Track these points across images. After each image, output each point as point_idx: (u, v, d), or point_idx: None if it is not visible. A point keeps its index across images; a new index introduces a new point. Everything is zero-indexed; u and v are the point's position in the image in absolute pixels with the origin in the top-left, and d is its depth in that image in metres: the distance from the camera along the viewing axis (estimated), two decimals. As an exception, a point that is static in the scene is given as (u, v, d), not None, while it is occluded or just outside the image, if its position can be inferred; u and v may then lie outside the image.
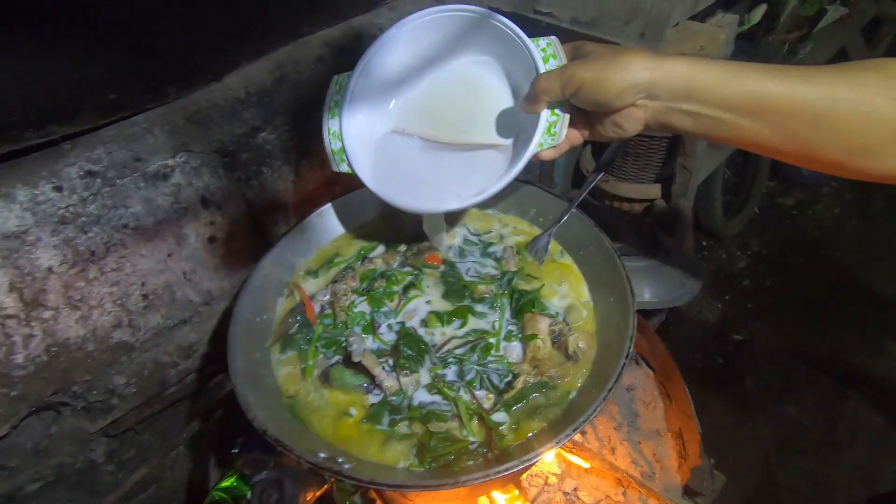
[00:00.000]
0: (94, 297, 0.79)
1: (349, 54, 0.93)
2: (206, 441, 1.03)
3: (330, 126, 0.73)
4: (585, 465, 0.92)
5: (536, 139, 0.63)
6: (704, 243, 2.43)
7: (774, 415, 1.81)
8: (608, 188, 1.36)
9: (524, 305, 0.72)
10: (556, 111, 0.64)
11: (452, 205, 0.67)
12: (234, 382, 0.62)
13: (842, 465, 1.64)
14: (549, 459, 0.92)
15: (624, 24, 0.87)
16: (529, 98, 0.63)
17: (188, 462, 1.06)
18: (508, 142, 0.71)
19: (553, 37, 0.65)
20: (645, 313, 1.27)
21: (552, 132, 0.64)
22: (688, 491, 0.94)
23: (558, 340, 0.69)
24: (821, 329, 2.02)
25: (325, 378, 0.67)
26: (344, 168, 0.73)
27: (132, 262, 0.81)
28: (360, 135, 0.73)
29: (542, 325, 0.69)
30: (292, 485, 0.46)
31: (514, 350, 0.69)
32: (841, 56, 2.12)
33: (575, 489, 0.93)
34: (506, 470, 0.52)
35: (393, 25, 0.71)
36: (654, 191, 1.30)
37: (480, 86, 0.73)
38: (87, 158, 0.71)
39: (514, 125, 0.71)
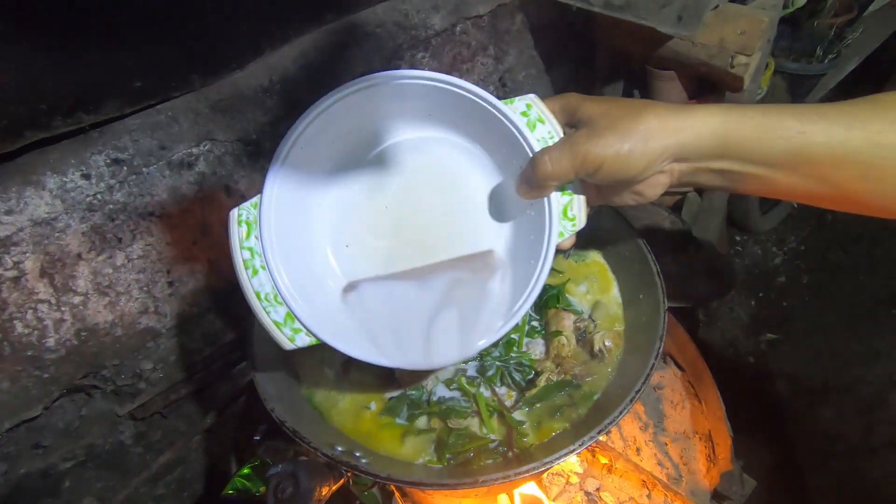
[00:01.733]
0: (121, 283, 0.81)
1: (374, 41, 0.92)
2: (230, 427, 1.05)
3: (256, 288, 0.51)
4: (608, 464, 0.90)
5: (554, 230, 0.51)
6: (738, 238, 2.35)
7: (809, 418, 1.74)
8: (638, 180, 1.32)
9: (548, 301, 0.70)
10: (568, 190, 0.52)
11: (471, 351, 0.53)
12: (255, 372, 0.62)
13: (879, 472, 1.57)
14: (572, 460, 0.90)
15: (660, 8, 0.82)
16: (530, 182, 0.51)
17: (213, 446, 1.08)
18: (502, 241, 0.57)
19: (531, 95, 0.52)
20: (674, 311, 1.23)
21: (570, 216, 0.52)
22: (716, 496, 0.91)
23: (583, 338, 0.67)
24: (862, 330, 1.92)
25: (346, 370, 0.66)
26: (304, 341, 0.52)
27: (158, 250, 0.82)
28: (308, 285, 0.53)
29: (567, 322, 0.67)
30: (307, 478, 0.45)
31: (538, 347, 0.67)
32: (893, 41, 1.99)
33: (598, 489, 0.91)
34: (526, 471, 0.50)
35: (294, 124, 0.53)
36: (687, 183, 1.25)
37: (442, 175, 0.56)
38: (113, 146, 0.72)
39: (501, 214, 0.57)
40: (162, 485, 1.09)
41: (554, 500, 0.89)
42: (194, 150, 0.79)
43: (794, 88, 1.47)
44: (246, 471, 0.79)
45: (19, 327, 0.73)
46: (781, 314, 2.07)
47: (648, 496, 0.89)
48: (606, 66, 1.23)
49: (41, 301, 0.74)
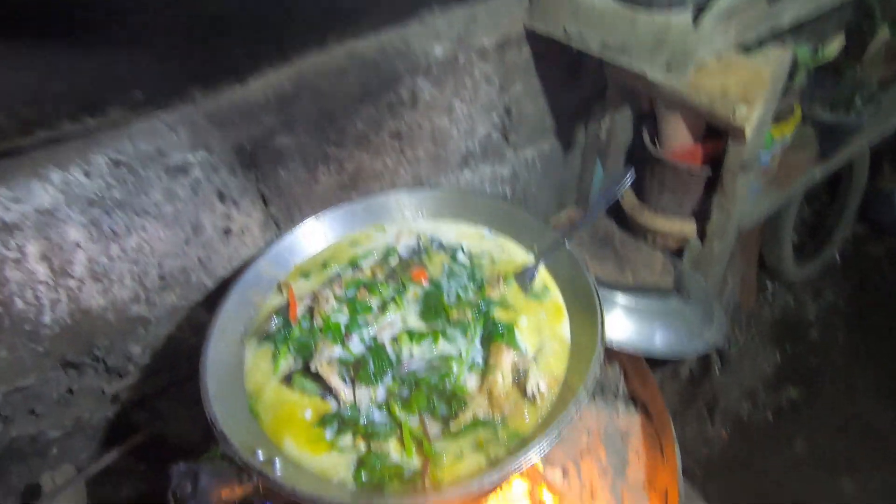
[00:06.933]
0: (115, 272, 0.88)
1: (373, 66, 0.96)
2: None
3: None
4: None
5: None
6: (769, 286, 2.23)
7: (827, 488, 1.63)
8: (643, 220, 1.29)
9: (494, 335, 0.71)
10: None
11: None
12: (202, 371, 0.66)
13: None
14: (522, 488, 0.89)
15: (651, 54, 0.82)
16: None
17: (192, 432, 1.14)
18: None
19: None
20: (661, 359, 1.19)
21: None
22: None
23: (520, 378, 0.67)
24: (899, 399, 1.79)
25: (288, 380, 0.69)
26: None
27: (151, 245, 0.89)
28: None
29: (506, 359, 0.67)
30: (208, 479, 0.48)
31: (474, 381, 0.68)
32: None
33: (546, 530, 0.89)
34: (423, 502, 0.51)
35: None
36: (689, 228, 1.22)
37: None
38: (114, 149, 0.79)
39: None
40: (148, 460, 1.15)
41: (499, 533, 0.88)
42: (190, 158, 0.85)
43: (825, 140, 1.40)
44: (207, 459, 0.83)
45: (19, 304, 0.81)
46: (809, 372, 1.95)
47: (595, 546, 0.87)
48: (616, 101, 1.22)
49: (40, 282, 0.81)
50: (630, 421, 0.98)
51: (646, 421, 0.98)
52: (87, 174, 0.78)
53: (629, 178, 0.75)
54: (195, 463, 0.50)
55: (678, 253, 1.27)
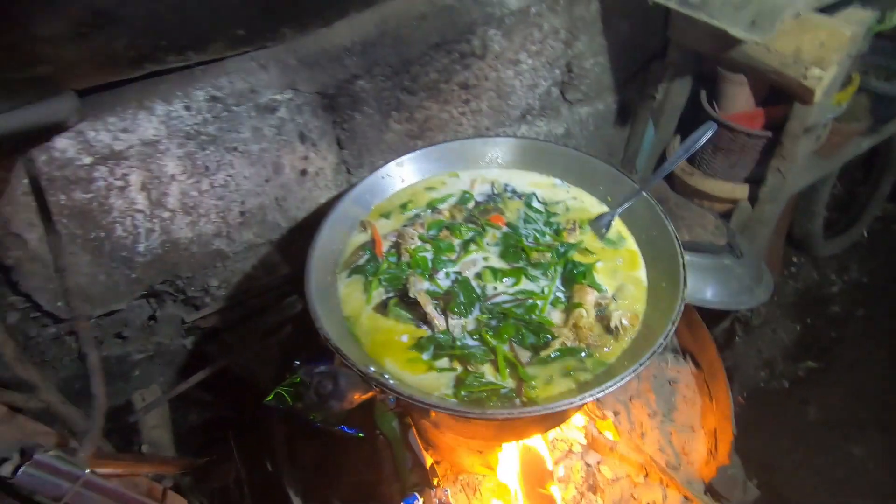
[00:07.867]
0: (203, 206, 0.92)
1: (449, 14, 0.97)
2: (274, 350, 1.17)
3: None
4: (612, 438, 0.95)
5: None
6: (795, 259, 2.26)
7: (836, 452, 1.70)
8: (693, 182, 1.32)
9: (576, 276, 0.75)
10: None
11: None
12: (308, 296, 0.71)
13: (904, 517, 1.53)
14: (578, 423, 0.96)
15: (735, 10, 0.83)
16: None
17: (259, 365, 1.21)
18: None
19: None
20: (706, 315, 1.24)
21: None
22: (711, 490, 0.94)
23: (602, 314, 0.72)
24: (910, 373, 1.85)
25: (383, 308, 0.74)
26: None
27: (236, 182, 0.93)
28: None
29: (590, 297, 0.72)
30: (346, 381, 0.53)
31: (558, 315, 0.73)
32: None
33: (598, 462, 0.96)
34: (529, 413, 0.57)
35: None
36: (741, 191, 1.24)
37: None
38: (213, 85, 0.82)
39: None
40: (213, 390, 1.23)
41: (556, 463, 0.95)
42: (278, 97, 0.88)
43: (879, 110, 1.40)
44: (286, 386, 0.90)
45: (119, 230, 0.86)
46: (827, 344, 2.01)
47: (644, 478, 0.94)
48: (677, 63, 1.22)
49: (138, 211, 0.86)
50: (678, 370, 1.04)
51: (694, 370, 1.03)
52: (187, 108, 0.81)
53: (711, 131, 0.78)
54: (334, 367, 0.55)
55: (725, 216, 1.30)
